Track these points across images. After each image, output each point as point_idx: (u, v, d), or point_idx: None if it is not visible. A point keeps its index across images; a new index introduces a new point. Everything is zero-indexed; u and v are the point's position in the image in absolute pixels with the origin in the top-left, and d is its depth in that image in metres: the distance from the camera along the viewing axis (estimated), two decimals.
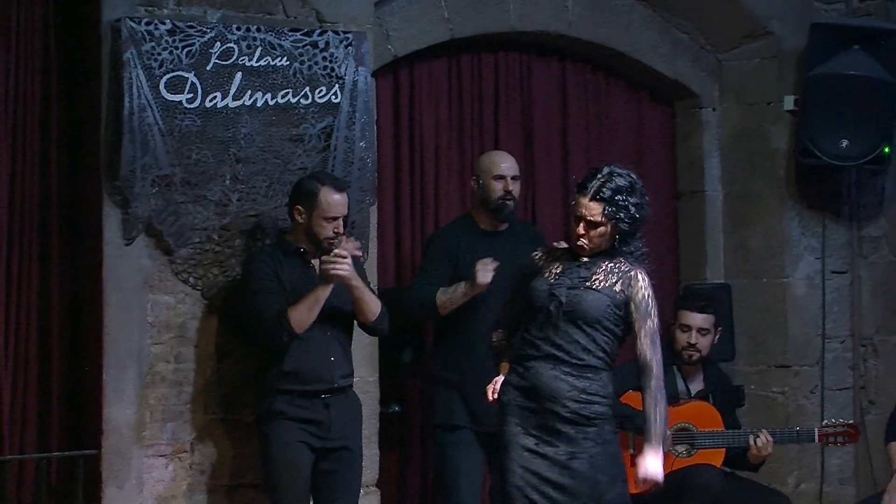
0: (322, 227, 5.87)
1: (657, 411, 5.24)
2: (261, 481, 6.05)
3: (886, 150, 7.44)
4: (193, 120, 6.06)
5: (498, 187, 6.41)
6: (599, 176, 5.26)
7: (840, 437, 6.86)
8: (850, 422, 7.02)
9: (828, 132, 7.36)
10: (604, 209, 5.21)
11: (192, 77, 6.06)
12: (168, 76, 6.02)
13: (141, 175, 5.96)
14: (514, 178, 6.46)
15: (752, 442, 6.71)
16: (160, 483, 6.08)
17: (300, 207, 5.91)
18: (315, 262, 5.95)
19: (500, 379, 5.39)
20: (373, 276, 6.43)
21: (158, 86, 5.99)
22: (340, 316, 5.97)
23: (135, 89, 5.94)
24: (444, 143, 7.19)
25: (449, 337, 6.45)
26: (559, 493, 5.21)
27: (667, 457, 6.66)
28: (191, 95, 6.06)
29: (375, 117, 6.58)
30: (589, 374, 5.23)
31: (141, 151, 5.95)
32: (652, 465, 5.24)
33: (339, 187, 5.93)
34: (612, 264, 5.29)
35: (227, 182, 6.17)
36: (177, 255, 6.09)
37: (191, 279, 6.12)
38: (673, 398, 6.85)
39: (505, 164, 6.48)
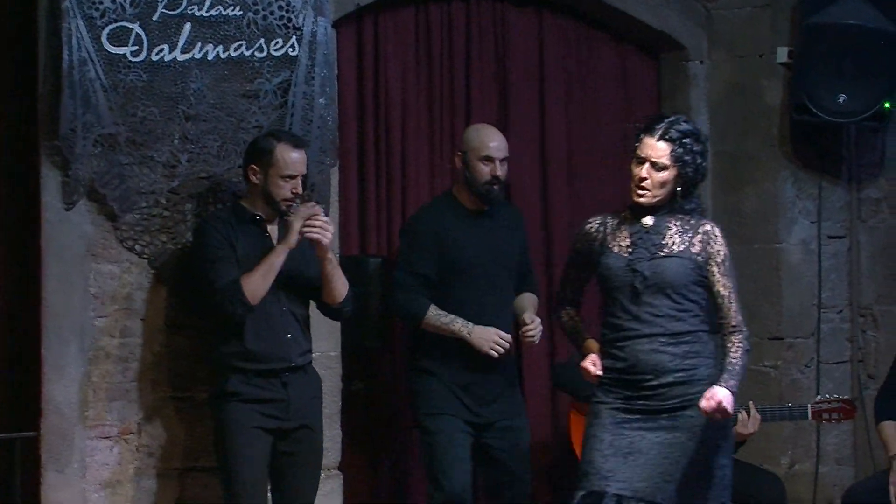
0: (279, 186, 5.73)
1: (744, 362, 5.30)
2: (215, 465, 5.93)
3: (887, 105, 7.33)
4: (139, 74, 5.94)
5: (485, 170, 6.22)
6: (667, 119, 5.33)
7: (835, 413, 6.78)
8: (846, 397, 6.94)
9: (825, 86, 7.24)
10: (671, 150, 5.25)
11: (136, 28, 5.94)
12: (111, 27, 5.89)
13: (82, 134, 5.85)
14: (502, 160, 6.28)
15: (740, 415, 6.53)
16: (105, 467, 5.98)
17: (255, 167, 5.77)
18: (272, 228, 5.82)
19: (595, 356, 5.42)
20: (334, 243, 6.19)
21: (100, 37, 5.87)
22: (298, 288, 5.83)
23: (74, 41, 5.82)
24: (412, 99, 7.04)
25: None
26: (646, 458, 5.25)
27: None
28: (136, 48, 5.94)
29: (336, 72, 6.40)
30: (686, 339, 5.29)
31: (82, 108, 5.84)
32: (726, 397, 5.22)
33: (298, 144, 5.81)
34: (679, 223, 5.33)
35: (176, 142, 6.04)
36: (122, 221, 5.97)
37: (137, 247, 6.00)
38: None
39: (494, 143, 6.28)
